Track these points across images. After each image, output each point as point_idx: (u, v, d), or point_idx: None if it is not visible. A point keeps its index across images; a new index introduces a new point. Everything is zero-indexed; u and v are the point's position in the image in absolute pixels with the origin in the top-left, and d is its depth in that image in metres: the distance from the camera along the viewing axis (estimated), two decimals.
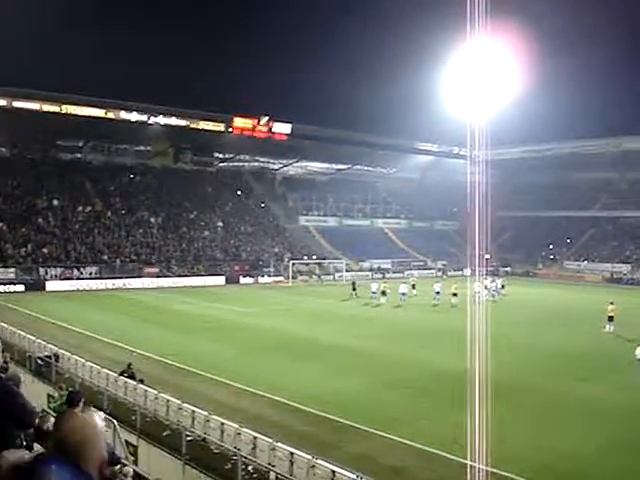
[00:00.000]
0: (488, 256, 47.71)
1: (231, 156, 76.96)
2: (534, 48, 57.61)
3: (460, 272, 61.16)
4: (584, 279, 65.39)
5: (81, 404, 7.30)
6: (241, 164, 79.32)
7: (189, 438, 13.34)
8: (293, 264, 58.81)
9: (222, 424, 13.29)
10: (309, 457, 11.21)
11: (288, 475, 11.28)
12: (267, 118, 66.60)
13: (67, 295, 44.66)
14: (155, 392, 15.72)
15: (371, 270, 65.51)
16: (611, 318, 30.54)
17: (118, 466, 6.30)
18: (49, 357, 20.12)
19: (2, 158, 61.56)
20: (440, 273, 65.87)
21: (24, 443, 5.19)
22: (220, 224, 65.33)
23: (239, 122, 65.70)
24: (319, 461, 11.03)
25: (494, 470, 11.54)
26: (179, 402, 14.76)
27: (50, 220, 55.21)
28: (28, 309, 35.91)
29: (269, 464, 11.76)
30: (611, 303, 31.09)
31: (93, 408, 7.41)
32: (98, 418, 2.64)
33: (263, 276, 58.04)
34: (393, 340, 27.97)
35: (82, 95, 56.00)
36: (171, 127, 62.48)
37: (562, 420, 16.41)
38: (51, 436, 2.66)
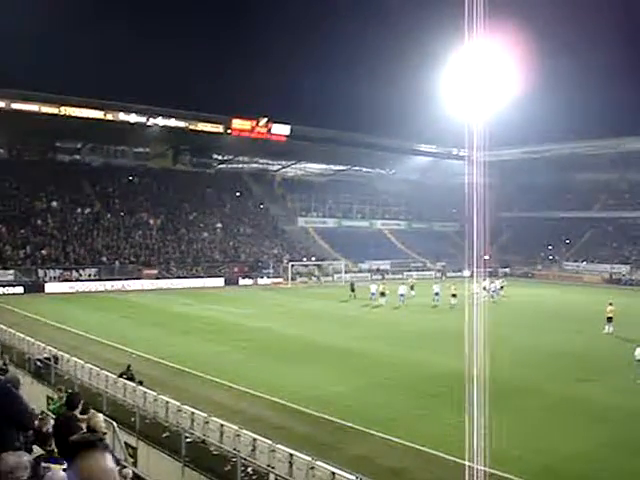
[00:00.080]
0: (487, 257, 47.75)
1: (230, 158, 76.99)
2: (533, 48, 57.67)
3: (459, 273, 61.15)
4: (583, 280, 65.40)
5: (80, 406, 7.30)
6: (240, 166, 79.34)
7: (188, 440, 13.32)
8: (292, 265, 58.82)
9: (221, 426, 13.29)
10: (308, 459, 11.21)
11: (287, 477, 11.27)
12: (266, 119, 66.56)
13: (66, 297, 44.62)
14: (154, 394, 15.70)
15: (370, 271, 65.51)
16: (610, 319, 30.55)
17: (117, 468, 6.29)
18: (48, 359, 20.11)
19: (1, 160, 61.62)
20: (439, 274, 65.92)
21: (24, 445, 5.19)
22: (219, 225, 65.35)
23: (238, 123, 65.67)
24: (318, 462, 11.02)
25: (493, 471, 11.55)
26: (178, 404, 14.75)
27: (49, 222, 55.20)
28: (27, 311, 35.89)
29: (268, 466, 11.75)
30: (610, 304, 31.13)
31: (93, 410, 7.42)
32: (110, 460, 2.99)
33: (262, 277, 58.05)
34: (392, 341, 27.97)
35: (81, 97, 55.96)
36: (170, 129, 62.43)
37: (562, 421, 16.41)
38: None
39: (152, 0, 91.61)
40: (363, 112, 79.08)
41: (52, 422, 6.88)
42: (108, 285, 49.76)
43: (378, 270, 66.06)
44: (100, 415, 6.79)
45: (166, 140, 67.29)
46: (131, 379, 17.33)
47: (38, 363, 20.28)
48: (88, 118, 56.76)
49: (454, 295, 39.55)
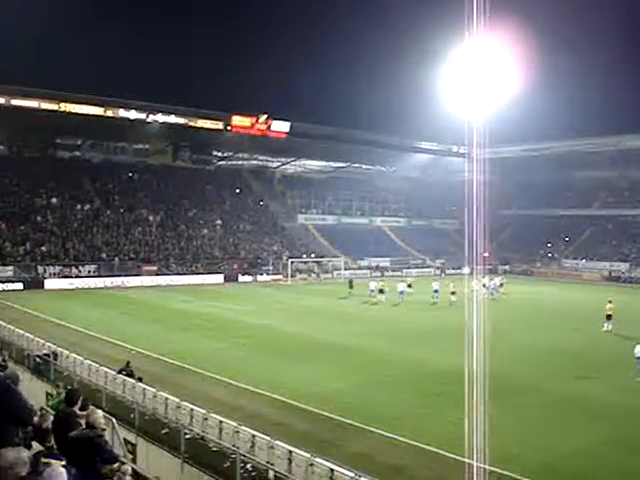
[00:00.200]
0: (487, 254, 47.76)
1: (230, 154, 76.93)
2: (533, 46, 57.57)
3: (459, 270, 61.17)
4: (583, 277, 65.44)
5: (79, 402, 7.29)
6: (240, 162, 79.29)
7: (188, 436, 13.32)
8: (292, 262, 58.82)
9: (221, 422, 13.30)
10: (308, 455, 11.22)
11: (287, 473, 11.28)
12: (266, 116, 66.50)
13: (65, 293, 44.65)
14: (154, 390, 15.71)
15: (370, 268, 65.53)
16: (609, 316, 30.57)
17: (116, 464, 6.29)
18: (47, 355, 20.11)
19: (1, 156, 61.55)
20: (439, 271, 65.96)
21: (23, 441, 5.19)
22: (219, 222, 65.32)
23: (238, 120, 65.60)
24: (317, 459, 11.03)
25: (493, 469, 11.57)
26: (178, 400, 14.75)
27: (49, 218, 55.17)
28: (26, 307, 35.90)
29: (268, 462, 11.76)
30: (609, 302, 31.15)
31: (92, 406, 7.41)
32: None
33: (262, 274, 58.04)
34: (391, 338, 27.98)
35: (81, 93, 55.87)
36: (170, 125, 62.37)
37: (561, 418, 16.42)
38: None
39: None
40: (363, 109, 79.21)
41: (51, 418, 6.87)
42: (108, 281, 49.77)
43: (377, 267, 66.09)
44: (99, 411, 6.77)
45: (166, 137, 67.23)
46: (130, 375, 17.33)
47: (37, 359, 20.27)
48: (88, 114, 56.70)
49: (453, 293, 39.61)
